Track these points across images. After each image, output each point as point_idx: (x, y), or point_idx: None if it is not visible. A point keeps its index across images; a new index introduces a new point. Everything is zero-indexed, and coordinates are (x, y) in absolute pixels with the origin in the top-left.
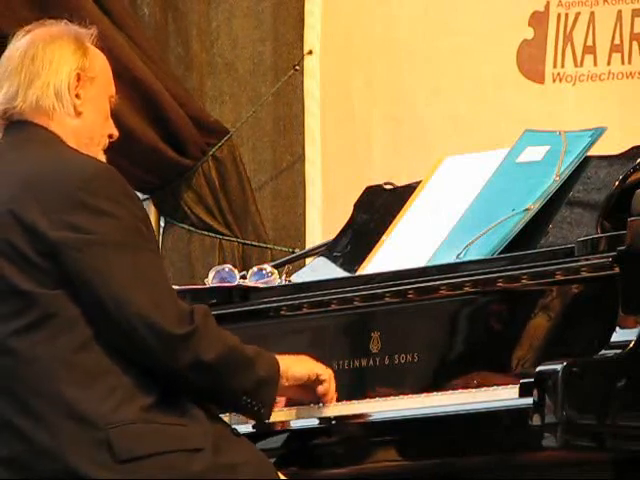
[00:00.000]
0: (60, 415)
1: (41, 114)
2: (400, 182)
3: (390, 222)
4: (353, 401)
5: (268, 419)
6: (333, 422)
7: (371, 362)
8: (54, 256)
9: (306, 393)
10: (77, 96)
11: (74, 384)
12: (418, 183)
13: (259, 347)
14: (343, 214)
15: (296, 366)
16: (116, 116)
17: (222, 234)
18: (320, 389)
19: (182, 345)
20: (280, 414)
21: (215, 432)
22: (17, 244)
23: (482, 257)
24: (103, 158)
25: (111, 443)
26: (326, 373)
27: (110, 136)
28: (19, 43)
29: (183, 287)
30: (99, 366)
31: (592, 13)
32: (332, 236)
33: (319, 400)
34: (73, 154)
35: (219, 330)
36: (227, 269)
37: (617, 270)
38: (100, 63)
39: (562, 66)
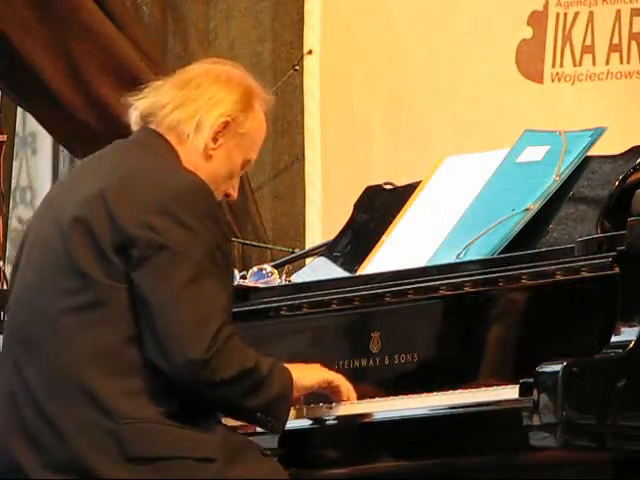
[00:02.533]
0: (80, 399)
1: (175, 135)
2: (400, 182)
3: (390, 222)
4: (353, 401)
5: (281, 432)
6: (332, 422)
7: (371, 362)
8: (125, 250)
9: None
10: (215, 140)
11: (103, 375)
12: (418, 183)
13: (274, 359)
14: (343, 214)
15: (306, 377)
16: (116, 116)
17: None
18: (336, 397)
19: (202, 369)
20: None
21: (231, 445)
22: (96, 228)
23: (482, 257)
24: None
25: (122, 438)
26: (337, 379)
27: (227, 195)
28: (199, 66)
29: None
30: (131, 364)
31: (591, 13)
32: (332, 236)
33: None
34: (179, 167)
35: (239, 351)
36: None
37: (617, 270)
38: (255, 126)
39: (561, 66)
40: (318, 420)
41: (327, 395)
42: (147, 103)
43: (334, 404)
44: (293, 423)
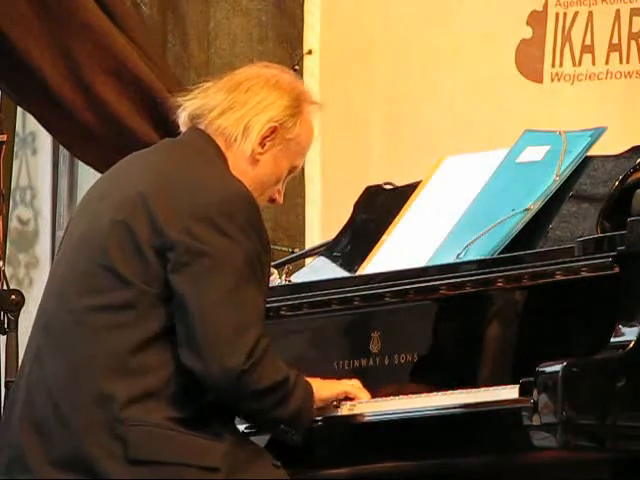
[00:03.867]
0: (91, 399)
1: (223, 138)
2: (400, 182)
3: (390, 222)
4: (353, 401)
5: (300, 444)
6: (332, 422)
7: (371, 362)
8: (164, 254)
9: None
10: (262, 145)
11: (118, 376)
12: (418, 183)
13: (297, 370)
14: (343, 214)
15: (324, 389)
16: (116, 116)
17: None
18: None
19: (238, 380)
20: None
21: (239, 455)
22: (135, 228)
23: (482, 257)
24: None
25: (128, 440)
26: (354, 389)
27: (273, 200)
28: (250, 70)
29: None
30: (149, 368)
31: (590, 12)
32: (332, 236)
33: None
34: (227, 174)
35: (272, 363)
36: None
37: (617, 270)
38: (303, 132)
39: (560, 65)
40: (318, 420)
41: None
42: (196, 104)
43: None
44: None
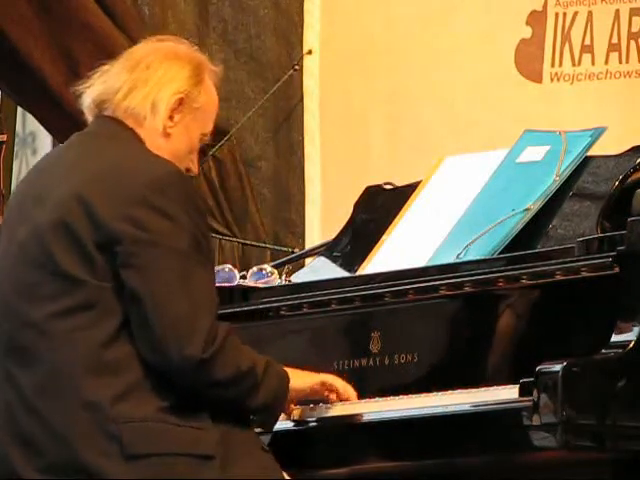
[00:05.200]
0: (76, 404)
1: (133, 118)
2: (400, 182)
3: (390, 222)
4: (353, 401)
5: (271, 431)
6: (332, 422)
7: (371, 362)
8: (109, 247)
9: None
10: (171, 118)
11: (95, 376)
12: (418, 183)
13: (269, 358)
14: (343, 214)
15: (301, 378)
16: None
17: (222, 234)
18: (335, 397)
19: (200, 367)
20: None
21: (232, 441)
22: (76, 229)
23: (482, 257)
24: None
25: (122, 438)
26: (332, 379)
27: (188, 170)
28: (145, 46)
29: None
30: (123, 362)
31: (590, 12)
32: (332, 236)
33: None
34: (150, 154)
35: (237, 351)
36: (227, 269)
37: (617, 270)
38: (208, 100)
39: (560, 65)
40: (317, 420)
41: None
42: (99, 90)
43: (334, 404)
44: (292, 424)
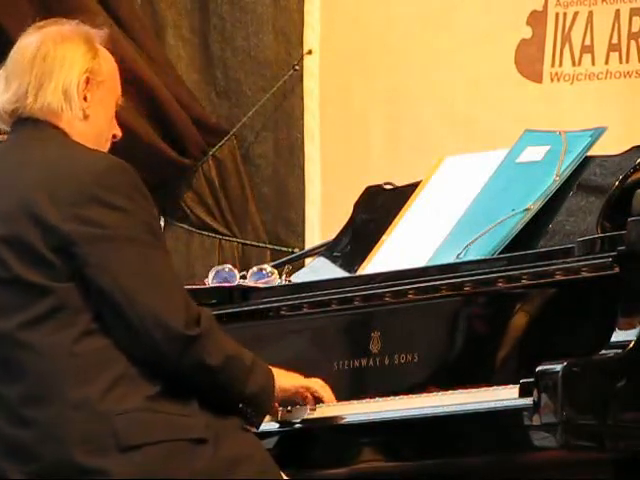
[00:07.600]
0: (66, 406)
1: (50, 114)
2: (400, 182)
3: (390, 222)
4: (353, 401)
5: (259, 428)
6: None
7: (371, 362)
8: (65, 249)
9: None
10: (85, 99)
11: (79, 375)
12: (418, 183)
13: (254, 355)
14: (343, 214)
15: (285, 379)
16: (118, 116)
17: (222, 234)
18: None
19: (188, 346)
20: (283, 414)
21: (218, 424)
22: (28, 239)
23: (482, 257)
24: None
25: (116, 431)
26: (316, 384)
27: (114, 136)
28: (31, 39)
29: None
30: (103, 357)
31: (590, 12)
32: (332, 236)
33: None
34: (85, 150)
35: (222, 336)
36: (227, 269)
37: (617, 270)
38: (109, 67)
39: (560, 65)
40: (317, 420)
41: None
42: (4, 99)
43: (334, 404)
44: (292, 424)
